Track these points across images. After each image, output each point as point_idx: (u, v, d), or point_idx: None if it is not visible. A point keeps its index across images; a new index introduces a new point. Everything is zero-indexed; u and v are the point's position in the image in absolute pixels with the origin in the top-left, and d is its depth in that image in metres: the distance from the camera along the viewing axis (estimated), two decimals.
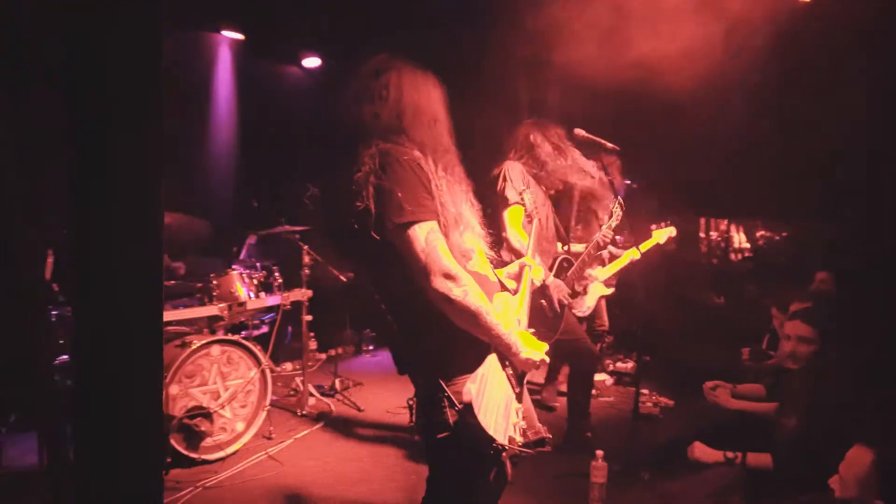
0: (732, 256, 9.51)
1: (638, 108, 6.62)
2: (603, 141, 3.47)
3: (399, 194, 1.73)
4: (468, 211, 1.96)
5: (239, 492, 3.20)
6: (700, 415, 3.72)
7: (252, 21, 5.80)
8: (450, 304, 1.73)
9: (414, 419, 1.92)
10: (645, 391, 4.87)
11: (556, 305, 3.33)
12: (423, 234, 1.72)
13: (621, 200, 3.58)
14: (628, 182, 5.47)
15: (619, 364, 5.49)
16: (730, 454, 2.91)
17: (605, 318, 4.88)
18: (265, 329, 4.90)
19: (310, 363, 5.63)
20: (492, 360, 1.85)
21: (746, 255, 10.09)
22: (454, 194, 1.90)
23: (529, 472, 3.42)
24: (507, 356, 1.87)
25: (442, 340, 1.82)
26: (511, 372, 1.90)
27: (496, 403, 1.80)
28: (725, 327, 5.31)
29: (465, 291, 1.72)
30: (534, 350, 1.91)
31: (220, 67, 5.82)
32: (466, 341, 1.80)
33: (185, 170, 5.68)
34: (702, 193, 6.93)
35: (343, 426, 4.16)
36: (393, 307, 1.93)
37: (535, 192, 3.46)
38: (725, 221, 9.12)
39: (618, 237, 4.81)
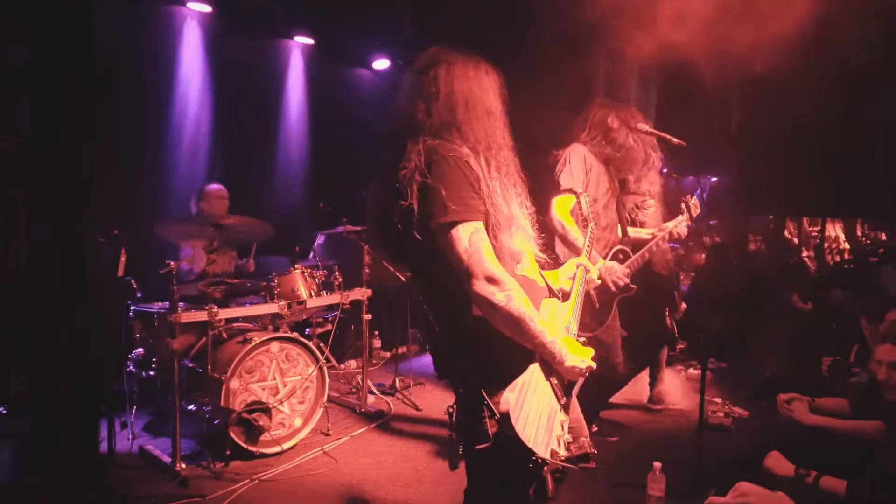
0: (828, 258, 8.83)
1: (722, 99, 6.29)
2: (668, 136, 3.28)
3: (444, 192, 1.67)
4: (520, 212, 1.89)
5: (293, 486, 3.27)
6: (774, 429, 3.46)
7: (323, 26, 5.95)
8: (492, 309, 1.67)
9: (452, 427, 1.87)
10: (718, 400, 4.61)
11: (612, 286, 3.18)
12: (468, 235, 1.66)
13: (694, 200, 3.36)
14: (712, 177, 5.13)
15: (691, 370, 5.22)
16: (802, 471, 2.68)
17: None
18: (330, 327, 5.02)
19: (374, 361, 5.73)
20: (535, 369, 1.78)
21: (846, 256, 9.34)
22: (507, 194, 1.83)
23: (584, 481, 3.31)
24: (551, 365, 1.80)
25: (485, 347, 1.76)
26: (556, 382, 1.83)
27: (538, 414, 1.72)
28: (811, 335, 4.91)
29: (509, 296, 1.66)
30: (580, 358, 1.82)
31: (291, 72, 6.00)
32: (510, 349, 1.74)
33: (257, 171, 5.88)
34: (791, 190, 6.48)
35: (400, 425, 4.18)
36: (436, 310, 1.89)
37: (599, 178, 3.32)
38: (819, 220, 8.47)
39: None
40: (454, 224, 1.66)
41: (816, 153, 6.16)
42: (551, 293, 2.04)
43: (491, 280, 1.66)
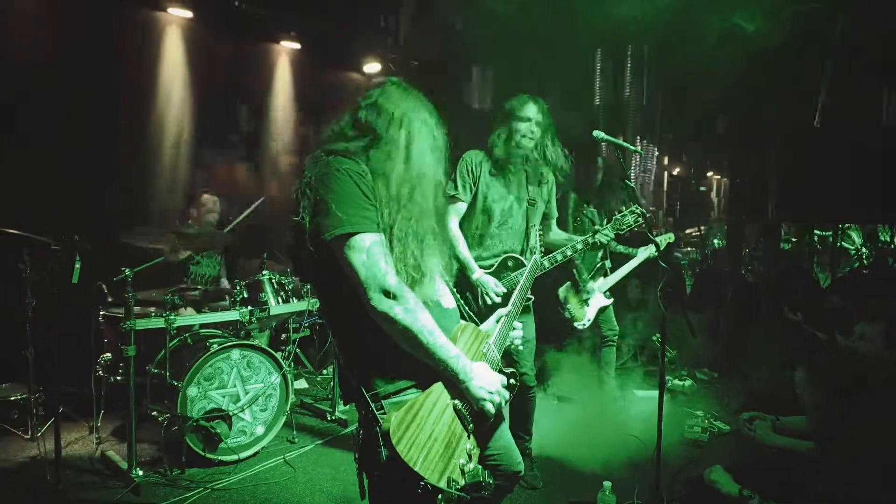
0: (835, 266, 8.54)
1: (731, 95, 6.09)
2: (624, 143, 3.18)
3: (334, 205, 1.65)
4: (433, 231, 1.85)
5: (244, 495, 3.25)
6: (737, 448, 3.35)
7: (310, 30, 5.94)
8: (389, 323, 1.65)
9: (356, 453, 1.82)
10: (700, 413, 4.47)
11: (479, 300, 3.03)
12: (364, 247, 1.63)
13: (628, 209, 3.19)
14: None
15: (675, 381, 5.07)
16: (746, 492, 2.58)
17: (615, 322, 4.72)
18: (307, 332, 5.01)
19: None
20: (434, 391, 1.73)
21: (865, 262, 9.03)
22: (419, 209, 1.78)
23: (540, 495, 3.25)
24: (455, 385, 1.74)
25: (381, 366, 1.72)
26: (463, 407, 1.76)
27: (431, 438, 1.67)
28: (798, 347, 4.74)
29: (406, 309, 1.64)
30: (489, 380, 1.76)
31: (278, 77, 6.01)
32: (411, 369, 1.70)
33: (244, 176, 5.89)
34: (788, 194, 6.24)
35: None
36: (334, 328, 1.86)
37: (496, 182, 3.17)
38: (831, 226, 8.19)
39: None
40: (350, 235, 1.64)
41: (818, 156, 5.94)
42: (464, 317, 1.99)
43: (388, 293, 1.63)
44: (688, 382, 5.06)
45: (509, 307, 2.11)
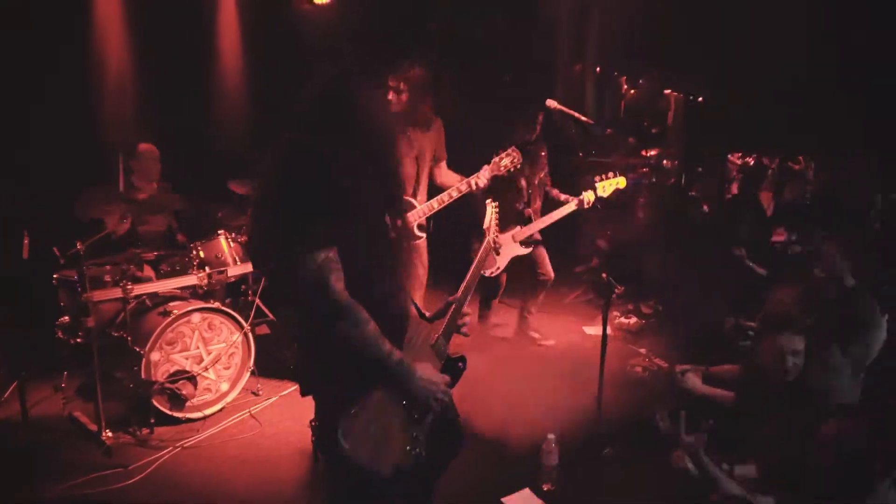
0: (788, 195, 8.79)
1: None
2: (577, 114, 3.22)
3: (289, 217, 1.70)
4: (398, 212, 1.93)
5: (214, 452, 3.43)
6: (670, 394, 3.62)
7: None
8: (336, 335, 1.73)
9: (313, 440, 1.98)
10: (643, 350, 4.76)
11: None
12: (314, 264, 1.68)
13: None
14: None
15: (622, 320, 5.34)
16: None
17: (549, 267, 4.79)
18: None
19: None
20: (383, 390, 1.85)
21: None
22: (376, 205, 1.85)
23: (494, 452, 3.41)
24: (400, 387, 1.86)
25: (335, 366, 1.83)
26: (408, 403, 1.90)
27: (381, 433, 1.83)
28: (736, 284, 5.00)
29: (351, 323, 1.72)
30: (429, 381, 1.88)
31: (222, 8, 5.70)
32: (361, 370, 1.80)
33: (190, 121, 5.65)
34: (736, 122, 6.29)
35: None
36: (294, 326, 1.95)
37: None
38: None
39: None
40: (300, 253, 1.68)
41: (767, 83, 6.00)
42: (420, 315, 2.10)
43: (333, 308, 1.70)
44: (633, 320, 5.33)
45: (459, 294, 2.21)
